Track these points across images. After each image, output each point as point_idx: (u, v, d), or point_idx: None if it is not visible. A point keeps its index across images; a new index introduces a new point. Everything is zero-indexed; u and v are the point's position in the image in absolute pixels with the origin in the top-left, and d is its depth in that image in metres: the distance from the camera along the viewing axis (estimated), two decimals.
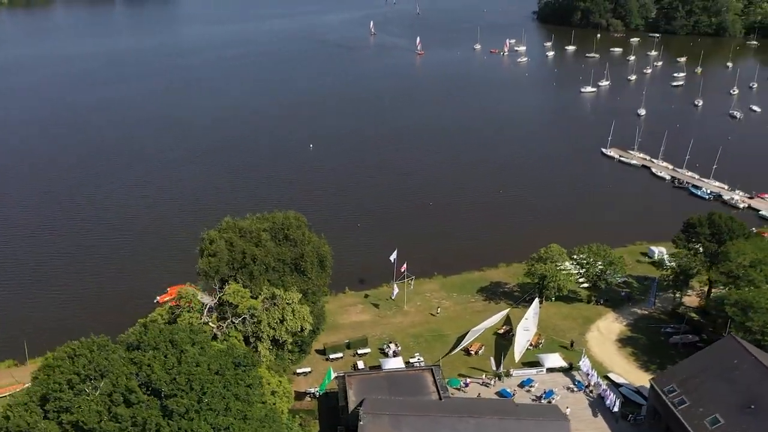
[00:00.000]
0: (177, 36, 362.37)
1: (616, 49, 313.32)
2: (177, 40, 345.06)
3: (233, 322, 73.59)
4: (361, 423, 65.63)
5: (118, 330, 72.02)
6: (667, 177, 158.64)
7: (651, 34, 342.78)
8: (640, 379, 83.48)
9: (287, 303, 76.15)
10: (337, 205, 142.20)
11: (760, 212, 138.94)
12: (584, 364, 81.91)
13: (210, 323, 72.96)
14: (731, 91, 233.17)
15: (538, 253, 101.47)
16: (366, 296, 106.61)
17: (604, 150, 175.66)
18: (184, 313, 71.55)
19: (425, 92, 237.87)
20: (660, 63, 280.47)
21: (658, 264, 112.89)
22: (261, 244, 79.21)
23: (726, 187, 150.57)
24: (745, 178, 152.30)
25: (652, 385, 72.86)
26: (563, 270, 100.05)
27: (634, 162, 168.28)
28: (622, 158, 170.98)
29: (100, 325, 79.54)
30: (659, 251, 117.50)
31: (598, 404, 77.87)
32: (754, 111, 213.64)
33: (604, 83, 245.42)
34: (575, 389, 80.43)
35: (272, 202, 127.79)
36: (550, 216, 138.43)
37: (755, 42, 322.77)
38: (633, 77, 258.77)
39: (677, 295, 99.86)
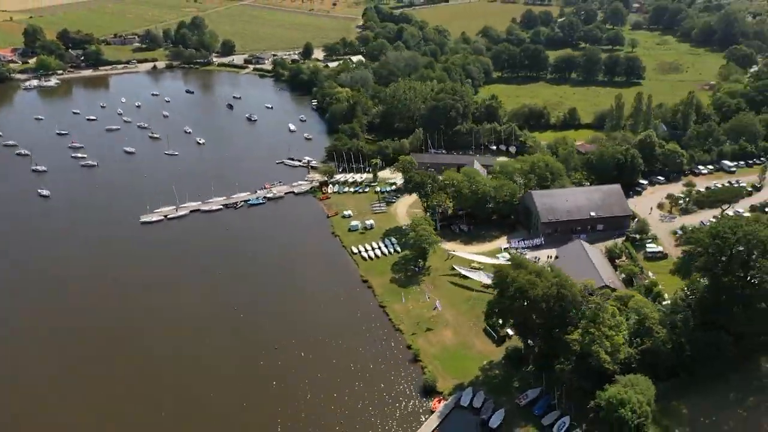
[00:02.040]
0: None
1: None
2: None
3: None
4: None
5: None
6: (222, 206, 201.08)
7: None
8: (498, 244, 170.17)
9: None
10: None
11: (295, 192, 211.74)
12: (514, 242, 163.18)
13: None
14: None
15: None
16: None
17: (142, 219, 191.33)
18: None
19: None
20: None
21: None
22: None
23: (248, 192, 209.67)
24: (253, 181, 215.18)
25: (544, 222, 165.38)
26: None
27: (183, 212, 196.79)
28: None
29: None
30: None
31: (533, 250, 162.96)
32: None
33: None
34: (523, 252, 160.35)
35: None
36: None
37: None
38: None
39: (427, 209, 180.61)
